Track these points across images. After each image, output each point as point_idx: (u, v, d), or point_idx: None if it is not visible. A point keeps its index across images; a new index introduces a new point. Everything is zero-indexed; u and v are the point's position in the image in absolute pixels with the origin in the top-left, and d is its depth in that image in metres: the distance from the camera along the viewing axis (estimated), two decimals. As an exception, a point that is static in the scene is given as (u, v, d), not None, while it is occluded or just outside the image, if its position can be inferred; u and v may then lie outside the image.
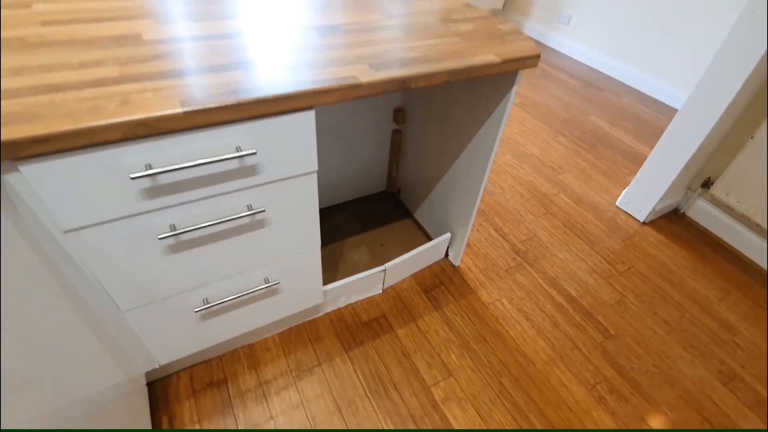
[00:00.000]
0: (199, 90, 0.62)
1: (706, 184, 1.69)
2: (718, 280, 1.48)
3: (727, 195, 1.63)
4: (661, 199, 1.65)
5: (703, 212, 1.72)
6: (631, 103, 2.58)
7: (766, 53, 1.24)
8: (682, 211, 1.79)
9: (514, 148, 2.04)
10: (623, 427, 1.06)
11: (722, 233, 1.67)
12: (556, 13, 3.12)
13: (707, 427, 1.07)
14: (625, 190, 1.75)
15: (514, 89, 0.95)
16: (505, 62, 0.84)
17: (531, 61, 0.88)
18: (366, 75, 0.72)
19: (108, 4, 0.87)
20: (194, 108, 0.58)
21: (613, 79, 2.84)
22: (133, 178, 0.59)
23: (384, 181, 1.64)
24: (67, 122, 0.52)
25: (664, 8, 2.48)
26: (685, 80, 2.50)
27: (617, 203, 1.77)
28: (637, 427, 1.06)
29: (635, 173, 1.95)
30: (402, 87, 0.75)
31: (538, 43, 3.28)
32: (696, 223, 1.74)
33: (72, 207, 0.59)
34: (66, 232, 0.62)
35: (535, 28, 3.33)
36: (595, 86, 2.71)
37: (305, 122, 0.70)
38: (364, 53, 0.79)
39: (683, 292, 1.42)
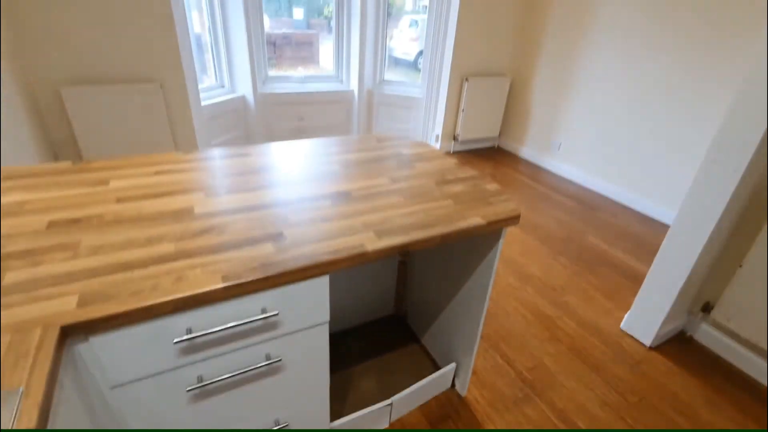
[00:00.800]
0: (236, 264, 0.77)
1: (706, 308, 1.74)
2: (733, 412, 1.44)
3: (728, 320, 1.66)
4: (664, 323, 1.69)
5: (709, 336, 1.73)
6: (627, 222, 2.74)
7: (736, 187, 1.40)
8: (689, 335, 1.80)
9: (516, 269, 2.15)
10: None
11: (732, 358, 1.66)
12: (547, 140, 3.50)
13: None
14: (627, 314, 1.80)
15: (501, 241, 1.10)
16: (489, 224, 1.00)
17: (512, 221, 1.04)
18: (372, 243, 0.87)
19: (168, 179, 1.10)
20: (232, 283, 0.72)
21: (607, 198, 3.05)
22: (175, 342, 0.71)
23: (392, 305, 1.74)
24: (134, 300, 0.66)
25: (648, 133, 2.78)
26: (675, 199, 2.69)
27: (621, 326, 1.81)
28: None
29: (636, 294, 2.01)
30: (402, 251, 0.90)
31: (534, 166, 3.61)
32: (704, 347, 1.74)
33: (122, 366, 0.70)
34: (113, 387, 0.72)
35: (530, 152, 3.69)
36: (591, 206, 2.91)
37: (320, 285, 0.84)
38: (370, 220, 0.96)
39: (698, 426, 1.38)
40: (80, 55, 2.17)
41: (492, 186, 1.20)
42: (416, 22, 8.15)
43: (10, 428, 0.46)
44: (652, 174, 2.78)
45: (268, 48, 3.50)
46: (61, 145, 2.32)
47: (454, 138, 3.68)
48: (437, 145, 3.69)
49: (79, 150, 2.31)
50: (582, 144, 3.21)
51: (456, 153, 3.75)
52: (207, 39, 3.08)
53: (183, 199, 0.99)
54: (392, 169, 1.26)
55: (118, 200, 0.97)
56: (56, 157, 2.34)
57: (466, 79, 3.40)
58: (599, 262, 2.27)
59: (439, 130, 3.64)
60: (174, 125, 2.54)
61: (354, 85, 3.73)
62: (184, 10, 2.44)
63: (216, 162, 1.23)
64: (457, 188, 1.17)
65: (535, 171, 3.49)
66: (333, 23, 3.60)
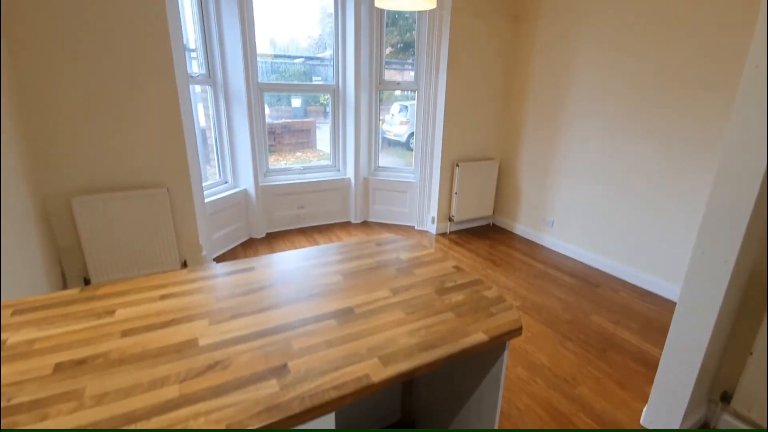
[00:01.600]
0: (240, 410, 0.76)
1: (725, 397, 1.67)
2: None
3: (749, 411, 1.59)
4: (685, 417, 1.61)
5: (733, 428, 1.64)
6: (629, 298, 2.72)
7: (730, 276, 1.42)
8: (713, 426, 1.71)
9: (523, 358, 2.09)
10: None
11: (765, 455, 1.56)
12: (540, 218, 3.60)
13: None
14: (646, 407, 1.72)
15: (505, 354, 1.10)
16: (492, 339, 1.01)
17: (515, 333, 1.05)
18: (377, 373, 0.87)
19: (173, 304, 1.12)
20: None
21: (606, 274, 3.07)
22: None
23: (399, 412, 1.66)
24: (136, 465, 0.65)
25: (635, 208, 2.87)
26: (674, 273, 2.70)
27: (641, 422, 1.72)
28: None
29: (651, 380, 1.94)
30: (408, 377, 0.89)
31: (529, 242, 3.67)
32: (732, 442, 1.64)
33: None
34: None
35: (524, 229, 3.77)
36: (591, 283, 2.92)
37: (326, 422, 0.82)
38: (374, 343, 0.97)
39: None
40: (92, 166, 2.31)
41: (492, 293, 1.22)
42: (406, 107, 8.74)
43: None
44: (646, 247, 2.83)
45: (269, 137, 3.72)
46: (66, 251, 2.37)
47: (450, 219, 3.78)
48: (433, 227, 3.78)
49: (83, 256, 2.35)
50: (574, 220, 3.30)
51: (452, 233, 3.82)
52: (211, 134, 3.30)
53: (187, 329, 1.00)
54: (392, 279, 1.29)
55: (124, 334, 0.98)
56: (60, 263, 2.37)
57: (457, 165, 3.59)
58: (608, 345, 2.21)
59: (434, 212, 3.76)
60: (178, 225, 2.61)
61: (350, 173, 3.91)
62: (192, 115, 2.65)
63: (220, 280, 1.26)
64: (458, 297, 1.19)
65: (532, 248, 3.54)
66: (329, 117, 3.87)
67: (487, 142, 3.81)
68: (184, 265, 2.70)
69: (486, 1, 3.32)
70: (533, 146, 3.57)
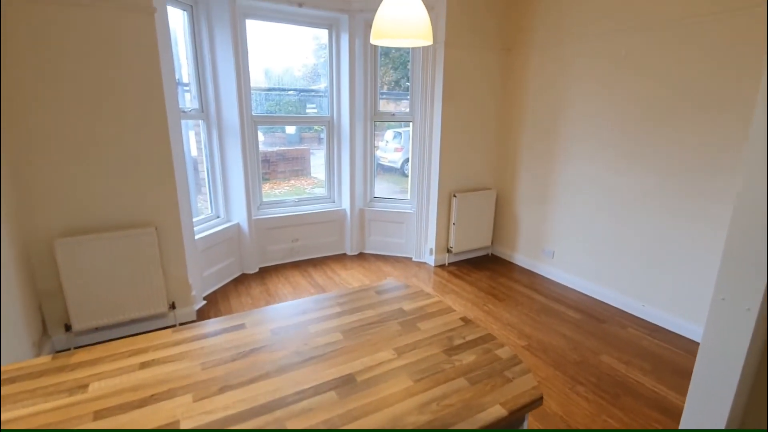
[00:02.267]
0: None
1: (753, 451, 1.56)
2: None
3: (782, 468, 1.47)
4: (711, 474, 1.49)
5: (766, 487, 1.52)
6: (637, 334, 2.62)
7: (755, 325, 1.33)
8: (741, 483, 1.58)
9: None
10: None
11: None
12: (539, 248, 3.53)
13: None
14: (667, 462, 1.60)
15: (525, 424, 0.99)
16: (512, 413, 0.90)
17: (535, 404, 0.95)
18: (385, 464, 0.76)
19: (153, 374, 1.00)
20: None
21: (611, 307, 2.97)
22: None
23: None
24: None
25: (637, 239, 2.81)
26: (684, 307, 2.61)
27: (665, 479, 1.59)
28: None
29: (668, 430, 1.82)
30: (419, 467, 0.78)
31: (529, 273, 3.58)
32: (764, 501, 1.51)
33: None
34: None
35: (524, 259, 3.69)
36: (596, 318, 2.82)
37: None
38: (379, 422, 0.86)
39: None
40: (77, 206, 2.20)
41: (505, 352, 1.12)
42: (400, 134, 8.80)
43: None
44: (652, 279, 2.75)
45: (263, 165, 3.65)
46: (47, 296, 2.23)
47: (448, 250, 3.69)
48: (432, 259, 3.68)
49: (64, 300, 2.22)
50: (575, 251, 3.23)
51: (451, 264, 3.73)
52: (203, 166, 3.22)
53: (168, 409, 0.89)
54: (396, 336, 1.19)
55: (96, 416, 0.87)
56: (41, 308, 2.23)
57: (454, 195, 3.53)
58: (621, 389, 2.10)
59: (432, 243, 3.67)
60: (167, 265, 2.49)
61: (346, 204, 3.84)
62: (184, 150, 2.57)
63: (207, 342, 1.15)
64: (469, 358, 1.09)
65: (532, 279, 3.45)
66: (324, 147, 3.83)
67: (484, 172, 3.78)
68: (173, 306, 2.57)
69: (477, 35, 3.35)
70: (530, 175, 3.54)
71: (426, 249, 3.75)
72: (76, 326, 2.26)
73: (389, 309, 1.34)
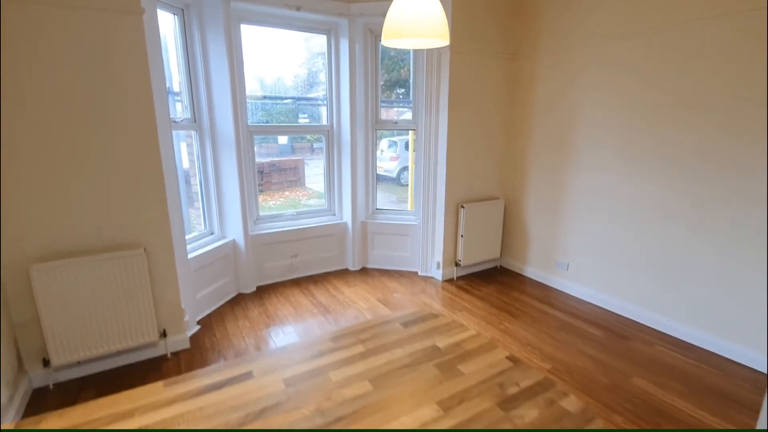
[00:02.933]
0: None
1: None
2: None
3: None
4: None
5: None
6: (666, 352, 2.45)
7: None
8: None
9: (569, 441, 1.77)
10: None
11: None
12: (551, 259, 3.36)
13: None
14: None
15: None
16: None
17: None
18: None
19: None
20: None
21: (634, 322, 2.81)
22: None
23: None
24: None
25: (657, 250, 2.66)
26: (710, 322, 2.46)
27: None
28: None
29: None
30: None
31: (542, 286, 3.41)
32: None
33: None
34: None
35: (535, 272, 3.53)
36: (620, 335, 2.65)
37: None
38: None
39: None
40: (56, 227, 1.98)
41: (572, 403, 0.93)
42: (395, 143, 8.66)
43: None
44: (676, 292, 2.60)
45: (257, 176, 3.44)
46: (23, 328, 2.00)
47: (456, 264, 3.51)
48: (439, 273, 3.50)
49: (42, 332, 1.98)
50: (590, 262, 3.08)
51: (459, 278, 3.55)
52: (196, 180, 3.01)
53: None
54: (436, 384, 1.00)
55: None
56: (16, 342, 1.99)
57: (462, 206, 3.36)
58: (661, 417, 1.92)
59: (439, 257, 3.49)
60: (157, 289, 2.27)
61: (347, 217, 3.65)
62: (175, 163, 2.37)
63: (206, 399, 0.94)
64: (531, 413, 0.90)
65: (546, 293, 3.28)
66: (323, 158, 3.65)
67: (491, 182, 3.62)
68: (164, 334, 2.34)
69: (483, 41, 3.21)
70: (540, 184, 3.39)
71: (432, 263, 3.56)
72: (56, 361, 2.02)
73: (421, 347, 1.15)
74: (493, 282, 3.50)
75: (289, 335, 2.58)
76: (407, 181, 8.51)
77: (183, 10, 2.70)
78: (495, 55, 3.32)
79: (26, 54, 1.80)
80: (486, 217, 3.51)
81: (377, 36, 3.40)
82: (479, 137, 3.43)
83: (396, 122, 3.63)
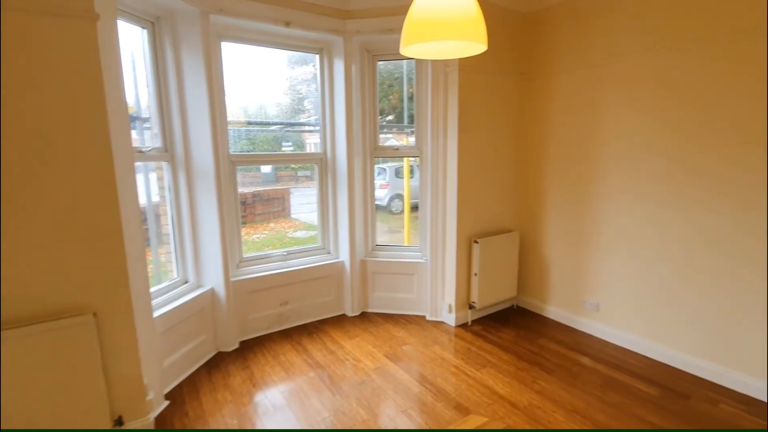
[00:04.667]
0: None
1: None
2: None
3: None
4: None
5: None
6: (735, 413, 2.05)
7: None
8: None
9: None
10: None
11: None
12: (579, 300, 2.98)
13: None
14: None
15: None
16: None
17: None
18: None
19: None
20: None
21: (687, 374, 2.41)
22: None
23: None
24: None
25: (712, 286, 2.30)
26: (781, 377, 2.08)
27: None
28: None
29: None
30: None
31: (569, 330, 3.00)
32: None
33: None
34: None
35: (558, 312, 3.13)
36: (677, 391, 2.24)
37: None
38: None
39: None
40: (-31, 294, 1.49)
41: None
42: (384, 169, 8.31)
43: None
44: (734, 338, 2.23)
45: (239, 209, 2.99)
46: None
47: (470, 306, 3.09)
48: (451, 317, 3.06)
49: (-59, 438, 1.45)
50: (627, 303, 2.70)
51: (474, 322, 3.11)
52: (167, 218, 2.54)
53: None
54: None
55: None
56: None
57: (476, 241, 2.97)
58: None
59: (451, 299, 3.06)
60: (110, 365, 1.77)
61: (344, 255, 3.21)
62: (137, 201, 1.92)
63: None
64: None
65: (576, 338, 2.87)
66: (316, 189, 3.24)
67: (505, 212, 3.26)
68: (119, 422, 1.81)
69: (493, 58, 2.92)
70: (560, 214, 3.04)
71: (443, 306, 3.13)
72: (-38, 476, 1.47)
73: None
74: (512, 325, 3.07)
75: (282, 412, 2.08)
76: (399, 210, 8.15)
77: (153, 23, 2.32)
78: (507, 73, 3.03)
79: (-68, 65, 1.37)
80: (501, 251, 3.12)
81: (375, 56, 3.09)
82: (491, 163, 3.09)
83: (397, 149, 3.27)
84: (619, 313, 2.75)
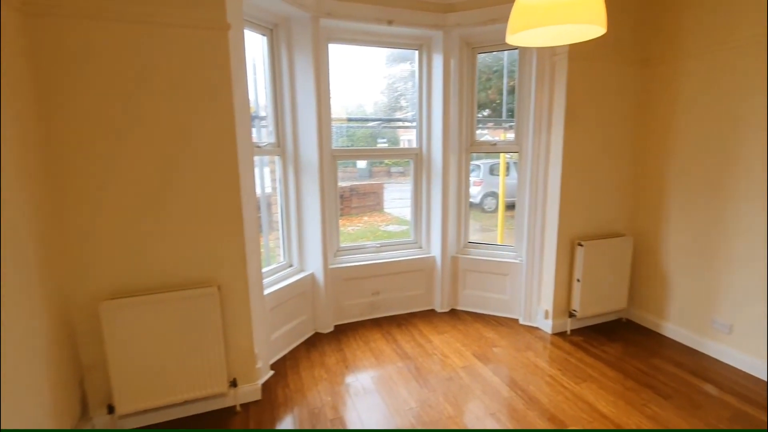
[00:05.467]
0: None
1: None
2: None
3: None
4: None
5: None
6: None
7: None
8: None
9: None
10: None
11: None
12: (707, 319, 2.57)
13: None
14: None
15: None
16: None
17: None
18: None
19: None
20: None
21: None
22: None
23: None
24: None
25: None
26: None
27: None
28: None
29: None
30: None
31: (690, 351, 2.61)
32: None
33: None
34: None
35: (677, 330, 2.73)
36: (842, 444, 1.81)
37: None
38: None
39: None
40: (128, 264, 1.83)
41: None
42: (478, 166, 8.06)
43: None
44: None
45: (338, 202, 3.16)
46: (89, 370, 1.84)
47: (570, 314, 2.86)
48: (548, 324, 2.87)
49: (108, 377, 1.80)
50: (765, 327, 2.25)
51: (574, 332, 2.88)
52: (277, 207, 2.80)
53: None
54: None
55: None
56: (81, 383, 1.84)
57: (580, 244, 2.74)
58: None
59: (547, 304, 2.87)
60: (229, 332, 2.02)
61: (436, 251, 3.21)
62: (255, 192, 2.15)
63: None
64: None
65: (699, 362, 2.48)
66: (411, 184, 3.28)
67: (616, 214, 2.94)
68: (234, 383, 2.07)
69: (608, 43, 2.64)
70: (685, 220, 2.65)
71: (539, 310, 2.95)
72: (121, 408, 1.83)
73: None
74: (619, 340, 2.77)
75: (371, 396, 2.17)
76: (492, 208, 7.85)
77: (271, 30, 2.56)
78: (624, 59, 2.72)
79: (104, 74, 1.69)
80: (610, 257, 2.83)
81: (475, 48, 3.01)
82: (602, 160, 2.81)
83: (495, 144, 3.16)
84: (758, 338, 2.31)
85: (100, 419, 1.88)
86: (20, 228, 1.43)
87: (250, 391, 2.13)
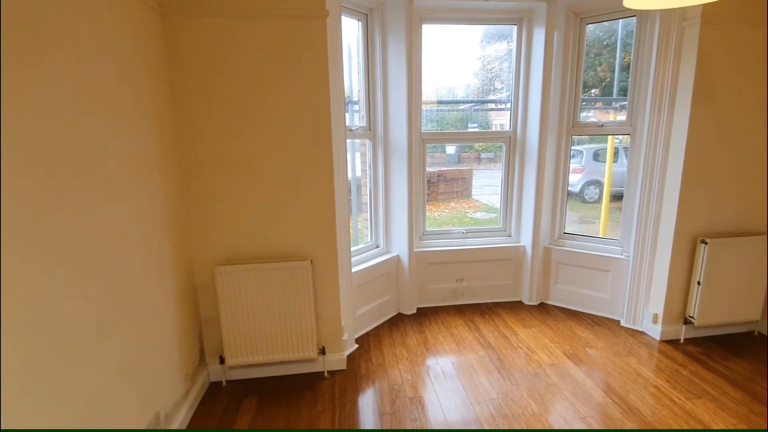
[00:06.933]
0: None
1: None
2: None
3: None
4: None
5: None
6: None
7: None
8: None
9: None
10: None
11: None
12: None
13: None
14: None
15: None
16: None
17: None
18: None
19: None
20: None
21: None
22: None
23: None
24: None
25: None
26: None
27: None
28: None
29: None
30: None
31: None
32: None
33: None
34: None
35: (838, 355, 2.22)
36: None
37: None
38: None
39: None
40: (238, 233, 2.06)
41: None
42: (580, 152, 7.37)
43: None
44: None
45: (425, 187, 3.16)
46: (206, 324, 2.13)
47: (686, 321, 2.51)
48: (656, 329, 2.56)
49: (220, 330, 2.07)
50: None
51: (689, 342, 2.53)
52: (366, 189, 2.90)
53: None
54: None
55: None
56: (201, 335, 2.14)
57: (703, 241, 2.37)
58: None
59: (657, 307, 2.55)
60: (319, 303, 2.17)
61: (527, 240, 3.04)
62: (347, 174, 2.24)
63: None
64: None
65: None
66: (502, 169, 3.13)
67: (752, 209, 2.48)
68: (323, 351, 2.23)
69: (752, 3, 2.18)
70: None
71: (646, 314, 2.64)
72: (229, 360, 2.09)
73: None
74: (747, 355, 2.36)
75: (451, 381, 2.16)
76: (593, 198, 7.14)
77: (367, 15, 2.61)
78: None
79: (216, 65, 1.88)
80: (740, 259, 2.40)
81: (583, 19, 2.72)
82: (736, 145, 2.37)
83: (602, 125, 2.85)
84: None
85: (214, 367, 2.17)
86: (160, 207, 1.69)
87: (336, 360, 2.27)
